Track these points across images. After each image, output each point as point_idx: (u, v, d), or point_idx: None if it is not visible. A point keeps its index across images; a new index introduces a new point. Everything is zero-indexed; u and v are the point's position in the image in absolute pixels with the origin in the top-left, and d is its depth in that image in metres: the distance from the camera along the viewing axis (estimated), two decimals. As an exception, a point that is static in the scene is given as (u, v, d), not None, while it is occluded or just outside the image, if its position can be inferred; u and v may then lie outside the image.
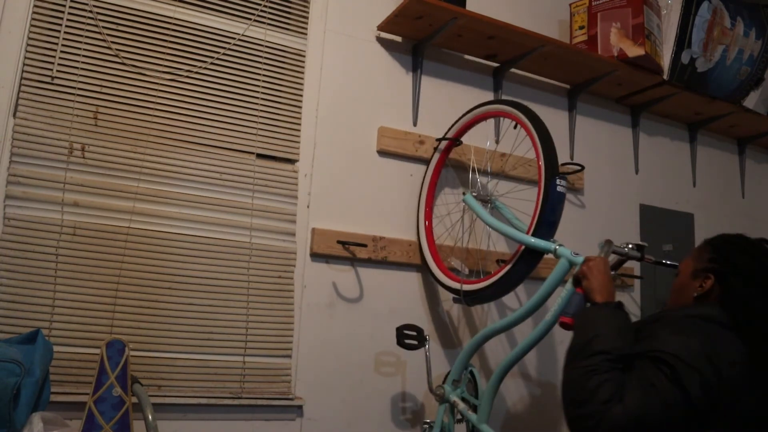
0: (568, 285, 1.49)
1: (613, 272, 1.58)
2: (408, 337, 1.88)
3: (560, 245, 1.59)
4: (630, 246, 1.61)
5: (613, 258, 1.60)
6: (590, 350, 1.20)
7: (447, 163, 2.21)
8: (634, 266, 2.66)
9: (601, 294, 1.33)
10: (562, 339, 2.26)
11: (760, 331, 1.21)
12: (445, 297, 2.22)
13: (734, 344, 1.19)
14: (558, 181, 1.69)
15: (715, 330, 1.21)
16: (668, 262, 1.78)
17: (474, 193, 2.04)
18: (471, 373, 1.88)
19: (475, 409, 1.75)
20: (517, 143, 2.13)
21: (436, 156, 2.18)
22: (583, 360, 1.19)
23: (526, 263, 1.72)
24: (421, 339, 1.89)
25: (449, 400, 1.83)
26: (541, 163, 1.73)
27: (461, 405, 1.78)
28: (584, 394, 1.14)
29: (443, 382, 1.89)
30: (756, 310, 1.22)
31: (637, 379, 1.14)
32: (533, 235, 1.68)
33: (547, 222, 1.69)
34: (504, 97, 2.40)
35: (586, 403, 1.13)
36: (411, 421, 2.11)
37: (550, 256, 1.62)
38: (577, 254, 1.54)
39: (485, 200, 2.13)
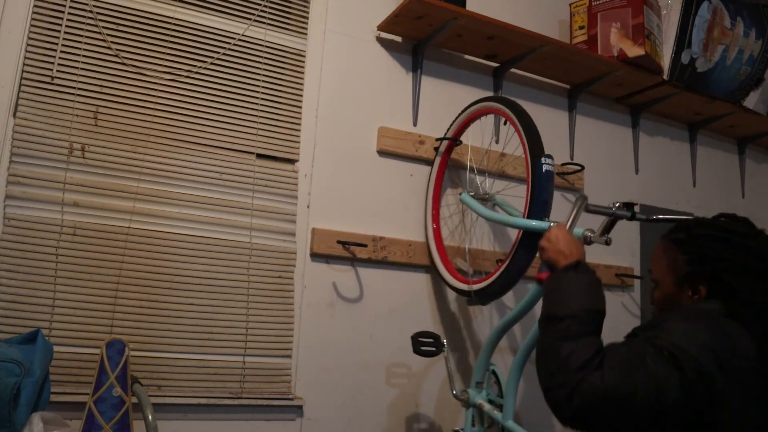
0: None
1: (607, 234, 1.54)
2: (424, 344, 1.84)
3: (555, 222, 1.55)
4: (617, 205, 1.55)
5: (603, 220, 1.55)
6: (558, 316, 1.13)
7: (449, 164, 2.21)
8: (633, 266, 2.66)
9: (564, 258, 1.26)
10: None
11: None
12: (445, 296, 2.22)
13: (745, 338, 1.09)
14: (543, 160, 1.68)
15: (726, 322, 1.10)
16: (661, 217, 1.68)
17: (471, 193, 2.04)
18: (494, 372, 1.84)
19: (501, 408, 1.71)
20: (508, 138, 2.14)
21: (438, 157, 2.18)
22: (552, 327, 1.12)
23: (525, 249, 1.70)
24: (438, 345, 1.86)
25: (475, 404, 1.80)
26: (526, 147, 1.73)
27: (487, 406, 1.75)
28: (557, 362, 1.05)
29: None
30: (759, 299, 1.12)
31: (625, 352, 1.04)
32: (528, 218, 1.67)
33: (538, 201, 1.68)
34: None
35: (558, 371, 1.04)
36: (411, 420, 2.11)
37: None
38: None
39: (485, 198, 2.13)
